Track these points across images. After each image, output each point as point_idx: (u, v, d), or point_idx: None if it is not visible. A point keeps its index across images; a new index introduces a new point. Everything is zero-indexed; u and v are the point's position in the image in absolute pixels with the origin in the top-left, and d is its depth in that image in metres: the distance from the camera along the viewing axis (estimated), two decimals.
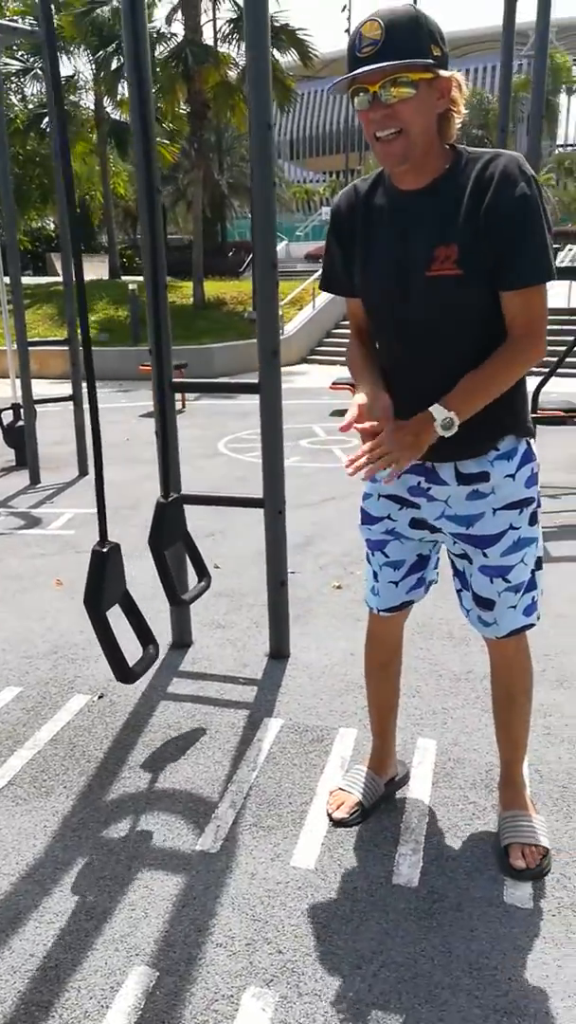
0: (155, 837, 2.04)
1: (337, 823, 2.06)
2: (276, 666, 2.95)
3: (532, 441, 1.78)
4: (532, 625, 1.86)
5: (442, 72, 1.50)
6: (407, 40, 1.45)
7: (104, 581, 2.00)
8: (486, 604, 1.83)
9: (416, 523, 1.87)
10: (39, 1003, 1.59)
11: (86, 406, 6.40)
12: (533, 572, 1.82)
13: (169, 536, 2.53)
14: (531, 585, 1.82)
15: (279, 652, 3.02)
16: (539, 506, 1.80)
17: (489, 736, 2.45)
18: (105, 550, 2.02)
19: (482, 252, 1.55)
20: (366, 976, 1.62)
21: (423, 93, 1.49)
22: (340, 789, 2.15)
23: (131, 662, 2.09)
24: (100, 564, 2.00)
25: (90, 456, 6.20)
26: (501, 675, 1.95)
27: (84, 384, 6.43)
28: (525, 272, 1.54)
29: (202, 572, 2.67)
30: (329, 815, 2.09)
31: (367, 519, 1.95)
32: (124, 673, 2.06)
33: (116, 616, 2.06)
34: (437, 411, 1.57)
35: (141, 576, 3.88)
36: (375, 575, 1.99)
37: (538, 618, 1.87)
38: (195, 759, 2.37)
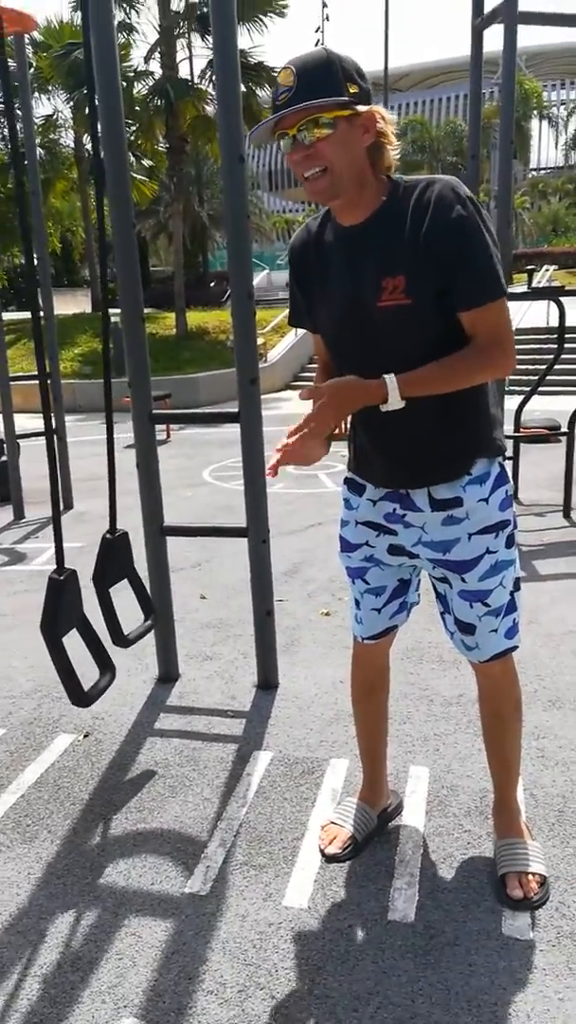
0: (143, 881, 1.99)
1: (329, 859, 2.01)
2: (264, 697, 2.90)
3: (503, 463, 1.77)
4: (515, 647, 1.84)
5: (360, 108, 1.51)
6: (319, 82, 1.46)
7: (60, 608, 2.02)
8: (467, 629, 1.81)
9: (394, 549, 1.85)
10: None
11: (70, 439, 6.39)
12: (512, 594, 1.80)
13: (114, 572, 2.49)
14: (511, 607, 1.81)
15: (267, 683, 2.98)
16: (515, 527, 1.79)
17: (483, 761, 2.41)
18: (62, 578, 2.02)
19: (428, 278, 1.54)
20: (363, 1018, 1.57)
21: (343, 130, 1.50)
22: (331, 823, 2.10)
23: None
24: (56, 591, 2.02)
25: (75, 490, 6.18)
26: (488, 698, 1.93)
27: (65, 417, 6.41)
28: (476, 292, 1.53)
29: (148, 610, 2.64)
30: (321, 851, 2.03)
31: (345, 547, 1.94)
32: (79, 697, 2.08)
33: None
34: (393, 397, 1.53)
35: (126, 610, 3.83)
36: (357, 603, 1.98)
37: (519, 640, 1.85)
38: (183, 797, 2.32)
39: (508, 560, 1.77)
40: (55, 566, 2.12)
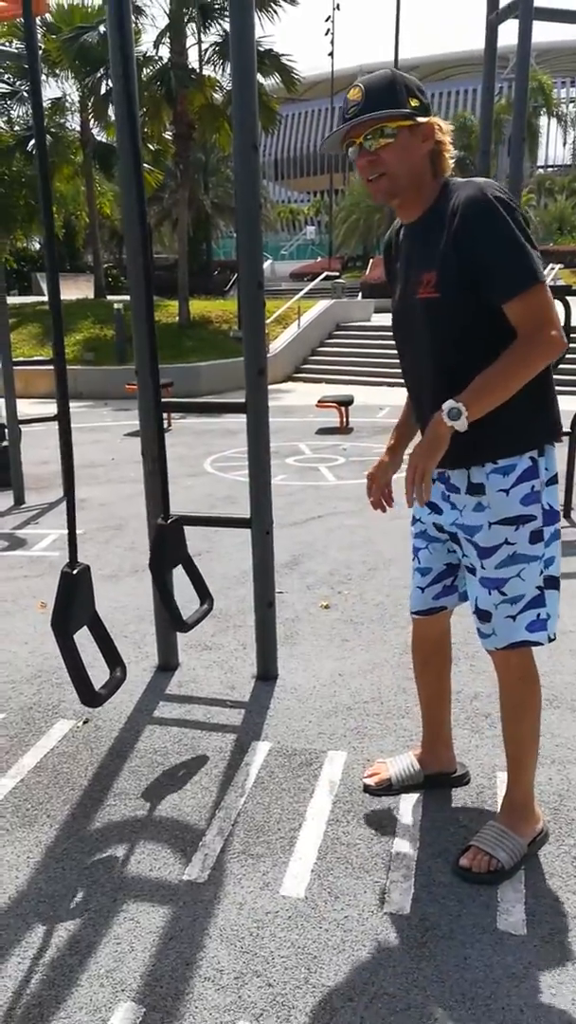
0: (141, 867, 2.00)
1: (365, 788, 2.26)
2: (264, 688, 2.92)
3: (541, 458, 1.78)
4: (536, 643, 1.85)
5: (420, 119, 1.69)
6: (384, 97, 1.67)
7: (72, 604, 2.00)
8: (484, 616, 1.86)
9: (438, 527, 1.97)
10: None
11: (72, 425, 6.38)
12: (541, 589, 1.81)
13: (170, 559, 2.49)
14: (537, 602, 1.82)
15: (267, 674, 2.99)
16: (547, 524, 1.80)
17: (480, 757, 2.43)
18: (75, 572, 1.99)
19: (455, 274, 1.67)
20: (358, 1008, 1.59)
21: (404, 138, 1.69)
22: (380, 761, 2.32)
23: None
24: (69, 586, 1.99)
25: (76, 476, 6.17)
26: (502, 690, 1.97)
27: (69, 403, 6.40)
28: (509, 283, 1.62)
29: (204, 595, 2.63)
30: (362, 780, 2.28)
31: (413, 519, 2.08)
32: (90, 696, 2.07)
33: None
34: (447, 403, 1.65)
35: (125, 599, 3.85)
36: (413, 577, 2.10)
37: (550, 640, 1.85)
38: (182, 785, 2.34)
39: (531, 555, 1.79)
40: (58, 552, 2.11)
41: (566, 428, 5.46)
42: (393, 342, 1.94)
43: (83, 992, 1.64)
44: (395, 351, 1.93)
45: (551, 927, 1.78)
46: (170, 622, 2.43)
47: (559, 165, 44.77)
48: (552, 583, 1.83)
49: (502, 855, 1.92)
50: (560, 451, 6.63)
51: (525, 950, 1.72)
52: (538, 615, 1.83)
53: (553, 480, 1.82)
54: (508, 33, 5.10)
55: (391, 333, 1.94)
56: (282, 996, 1.62)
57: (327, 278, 20.46)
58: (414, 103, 1.68)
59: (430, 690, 2.23)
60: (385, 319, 17.43)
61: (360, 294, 21.09)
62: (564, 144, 40.54)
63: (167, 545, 2.49)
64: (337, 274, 23.36)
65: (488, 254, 1.62)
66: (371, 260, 25.85)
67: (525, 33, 4.65)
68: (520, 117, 5.02)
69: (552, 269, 17.50)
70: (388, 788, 2.24)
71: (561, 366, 6.13)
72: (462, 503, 1.84)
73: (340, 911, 1.84)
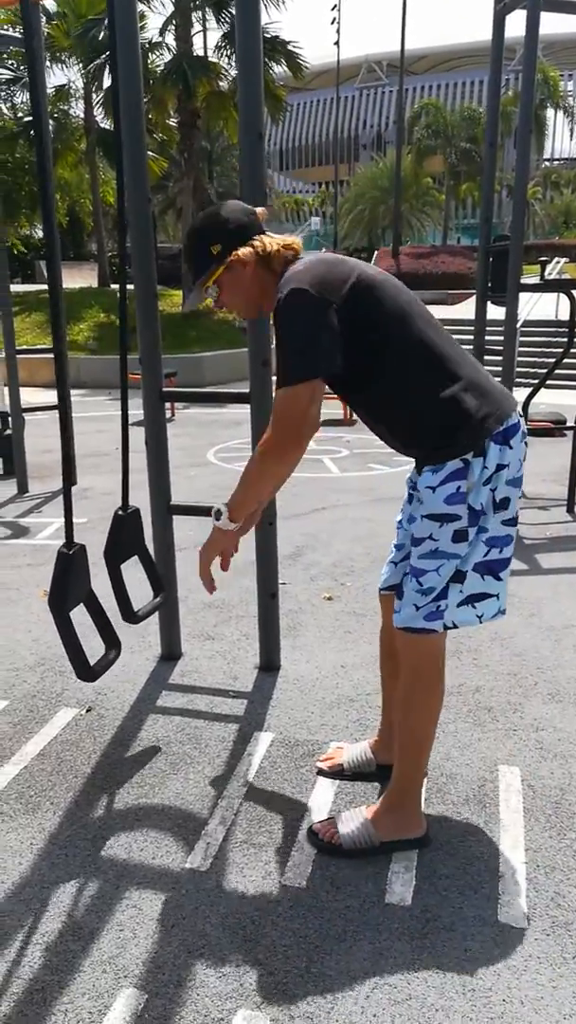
0: (144, 855, 2.01)
1: (319, 772, 2.33)
2: (266, 679, 2.92)
3: (476, 459, 1.78)
4: (431, 631, 1.88)
5: (227, 259, 1.84)
6: (194, 264, 1.88)
7: (68, 582, 2.04)
8: (400, 593, 1.94)
9: (411, 520, 2.02)
10: None
11: (75, 415, 6.37)
12: (449, 583, 1.86)
13: (126, 549, 2.51)
14: (442, 594, 1.86)
15: (269, 665, 3.00)
16: (471, 525, 1.81)
17: (483, 751, 2.44)
18: (71, 552, 2.03)
19: None
20: (359, 998, 1.60)
21: (227, 279, 1.87)
22: (338, 747, 2.40)
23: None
24: (65, 566, 2.04)
25: (79, 465, 6.17)
26: (400, 676, 2.00)
27: (71, 392, 6.38)
28: (278, 379, 1.76)
29: (158, 587, 2.65)
30: (316, 764, 2.36)
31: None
32: (86, 672, 2.11)
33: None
34: (218, 525, 1.94)
35: (128, 588, 3.84)
36: (390, 552, 2.16)
37: (445, 627, 1.88)
38: (184, 774, 2.34)
39: (451, 553, 1.83)
40: (61, 540, 2.13)
41: (570, 423, 5.46)
42: None
43: (85, 978, 1.65)
44: None
45: (552, 920, 1.78)
46: (121, 613, 2.44)
47: (565, 158, 44.51)
48: (459, 577, 1.86)
49: (346, 835, 1.99)
50: (564, 446, 6.53)
51: (526, 943, 1.72)
52: (439, 607, 1.87)
53: (492, 478, 1.79)
54: (516, 24, 5.06)
55: None
56: (283, 984, 1.63)
57: None
58: (216, 249, 1.83)
59: (388, 678, 2.24)
60: None
61: None
62: (571, 137, 40.29)
63: (124, 535, 2.50)
64: None
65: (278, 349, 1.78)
66: (376, 252, 25.74)
67: (532, 23, 4.60)
68: (527, 109, 4.97)
69: (558, 263, 17.40)
70: (340, 772, 2.30)
71: (567, 360, 6.07)
72: (416, 498, 1.93)
73: (342, 901, 1.85)
